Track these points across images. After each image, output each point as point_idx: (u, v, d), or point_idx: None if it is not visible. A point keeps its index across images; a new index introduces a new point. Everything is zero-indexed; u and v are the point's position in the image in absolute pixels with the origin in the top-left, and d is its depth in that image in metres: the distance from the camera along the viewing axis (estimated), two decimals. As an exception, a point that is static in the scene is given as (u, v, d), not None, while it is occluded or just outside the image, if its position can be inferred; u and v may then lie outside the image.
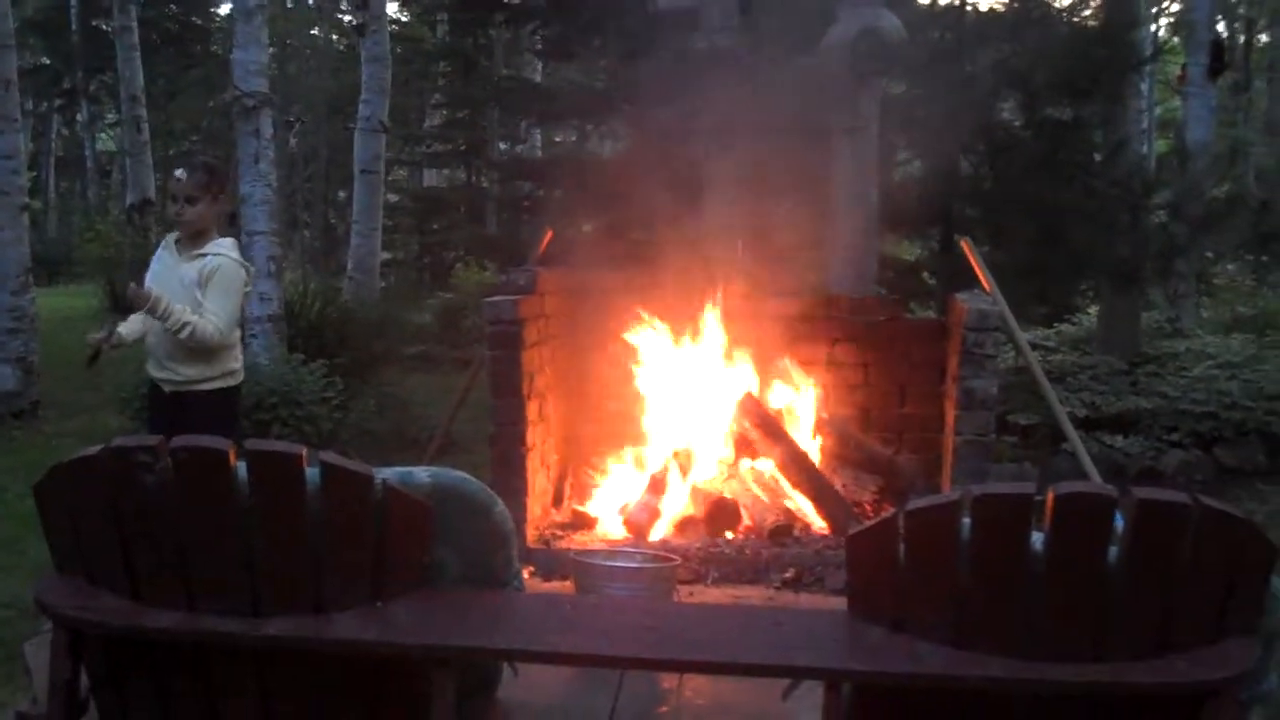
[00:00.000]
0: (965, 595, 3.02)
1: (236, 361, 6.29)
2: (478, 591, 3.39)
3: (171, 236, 6.26)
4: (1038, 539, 2.97)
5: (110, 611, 3.17)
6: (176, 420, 5.89)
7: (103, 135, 38.81)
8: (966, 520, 2.98)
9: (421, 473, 3.33)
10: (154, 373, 6.20)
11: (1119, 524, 2.97)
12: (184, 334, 5.94)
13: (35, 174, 34.49)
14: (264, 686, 3.22)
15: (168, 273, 6.12)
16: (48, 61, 34.83)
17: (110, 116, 36.44)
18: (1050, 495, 2.93)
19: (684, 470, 7.64)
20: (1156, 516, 2.97)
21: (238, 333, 6.33)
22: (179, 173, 6.20)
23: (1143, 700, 3.04)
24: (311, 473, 3.10)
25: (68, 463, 3.19)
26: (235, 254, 6.19)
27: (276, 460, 3.10)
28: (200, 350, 6.01)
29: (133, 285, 6.02)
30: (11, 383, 12.00)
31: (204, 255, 6.05)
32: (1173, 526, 2.96)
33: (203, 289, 6.00)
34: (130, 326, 6.17)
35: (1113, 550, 2.97)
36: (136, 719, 3.31)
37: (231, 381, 6.27)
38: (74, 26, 31.29)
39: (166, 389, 6.13)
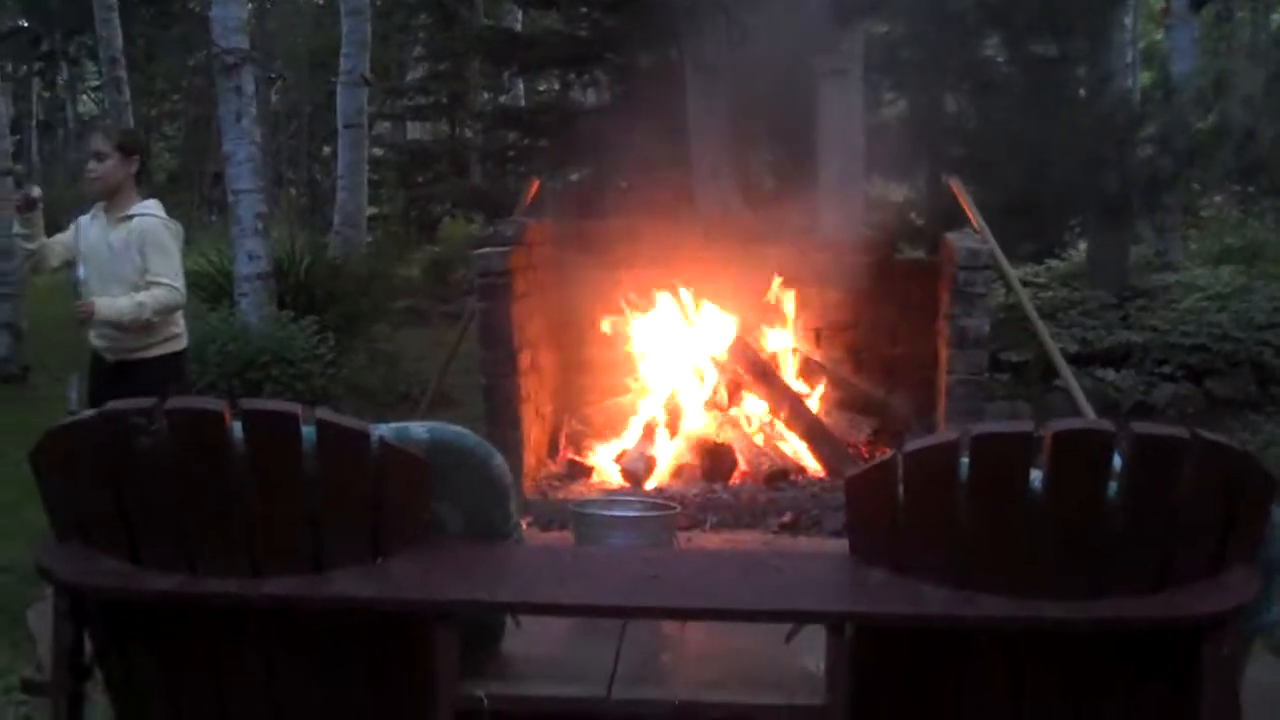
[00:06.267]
0: (965, 535, 3.02)
1: (179, 325, 6.18)
2: (477, 545, 3.38)
3: (98, 206, 6.14)
4: (1036, 477, 2.97)
5: (109, 575, 3.15)
6: (119, 391, 5.84)
7: (84, 97, 38.51)
8: (965, 460, 2.98)
9: (418, 428, 3.31)
10: (94, 340, 6.08)
11: (1117, 460, 2.96)
12: (145, 315, 5.87)
13: (18, 138, 34.24)
14: (266, 647, 3.21)
15: (97, 241, 6.03)
16: (26, 24, 34.45)
17: (91, 79, 36.13)
18: (1049, 433, 2.92)
19: (678, 417, 7.63)
20: (1155, 451, 2.96)
21: None
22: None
23: (1145, 634, 3.05)
24: (307, 431, 3.08)
25: (61, 428, 3.16)
26: (160, 212, 6.09)
27: (272, 419, 3.08)
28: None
29: (79, 304, 5.94)
30: (2, 348, 11.97)
31: (129, 218, 5.97)
32: (1171, 461, 2.96)
33: (140, 254, 5.92)
34: (53, 249, 6.12)
35: (1111, 486, 2.97)
36: (140, 683, 3.31)
37: (176, 346, 6.18)
38: (52, -12, 30.92)
39: (109, 358, 6.03)
